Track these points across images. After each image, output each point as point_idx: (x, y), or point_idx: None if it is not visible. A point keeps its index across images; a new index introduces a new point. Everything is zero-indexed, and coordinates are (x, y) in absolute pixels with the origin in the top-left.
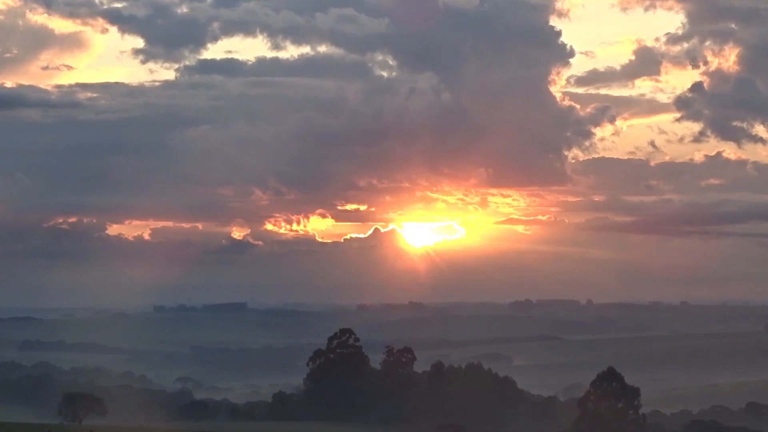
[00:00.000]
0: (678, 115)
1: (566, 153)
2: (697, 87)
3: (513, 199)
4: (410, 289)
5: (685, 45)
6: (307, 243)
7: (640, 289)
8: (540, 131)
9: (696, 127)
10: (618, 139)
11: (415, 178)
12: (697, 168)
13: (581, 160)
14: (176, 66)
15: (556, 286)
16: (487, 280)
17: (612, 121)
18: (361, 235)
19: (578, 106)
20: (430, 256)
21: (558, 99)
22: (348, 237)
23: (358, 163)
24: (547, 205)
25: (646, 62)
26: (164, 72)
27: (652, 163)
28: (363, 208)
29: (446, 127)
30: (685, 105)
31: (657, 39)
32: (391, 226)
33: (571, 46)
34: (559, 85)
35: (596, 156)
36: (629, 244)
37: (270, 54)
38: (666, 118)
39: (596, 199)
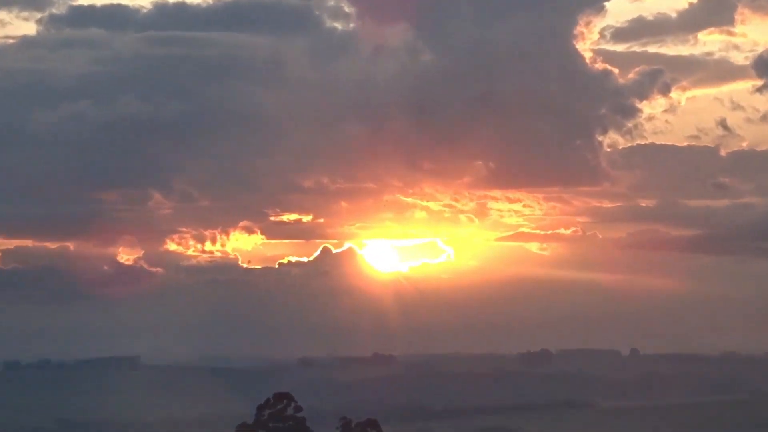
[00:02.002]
0: (760, 82)
1: (600, 138)
2: None
3: (524, 205)
4: (375, 335)
5: None
6: (226, 269)
7: (708, 333)
8: (563, 107)
9: None
10: (674, 117)
11: (383, 175)
12: None
13: (621, 148)
14: (38, 16)
15: (586, 329)
16: (487, 322)
17: (665, 91)
18: (304, 259)
19: (617, 71)
20: (404, 288)
21: (588, 60)
22: (285, 261)
23: (300, 154)
24: (573, 213)
25: (715, 7)
26: (21, 24)
27: (724, 152)
28: (307, 218)
29: (428, 102)
30: None
31: None
32: (347, 245)
33: None
34: (590, 40)
35: (643, 142)
36: (691, 268)
37: None
38: (742, 88)
39: (643, 205)
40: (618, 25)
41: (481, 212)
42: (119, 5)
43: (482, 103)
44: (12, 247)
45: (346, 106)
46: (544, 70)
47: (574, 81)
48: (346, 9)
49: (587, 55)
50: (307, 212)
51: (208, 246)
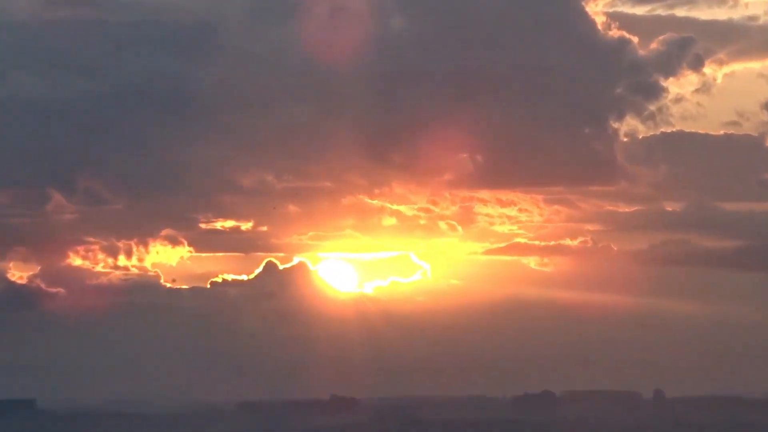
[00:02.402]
0: None
1: (615, 125)
2: None
3: (519, 210)
4: (333, 373)
5: None
6: (145, 290)
7: (751, 371)
8: (568, 86)
9: None
10: (708, 98)
11: (342, 171)
12: None
13: (642, 137)
14: None
15: (599, 367)
16: (474, 357)
17: (697, 66)
18: (243, 277)
19: (636, 40)
20: (369, 313)
21: (600, 27)
22: (219, 279)
23: (238, 144)
24: (581, 219)
25: None
26: None
27: None
28: (247, 225)
29: (399, 80)
30: None
31: None
32: (297, 259)
33: None
34: (603, 1)
35: (669, 130)
36: (729, 289)
37: None
38: None
39: (669, 209)
40: None
41: (466, 218)
42: None
43: (467, 81)
44: None
45: (295, 84)
46: (545, 39)
47: (582, 53)
48: None
49: (599, 20)
50: (246, 218)
51: (121, 260)
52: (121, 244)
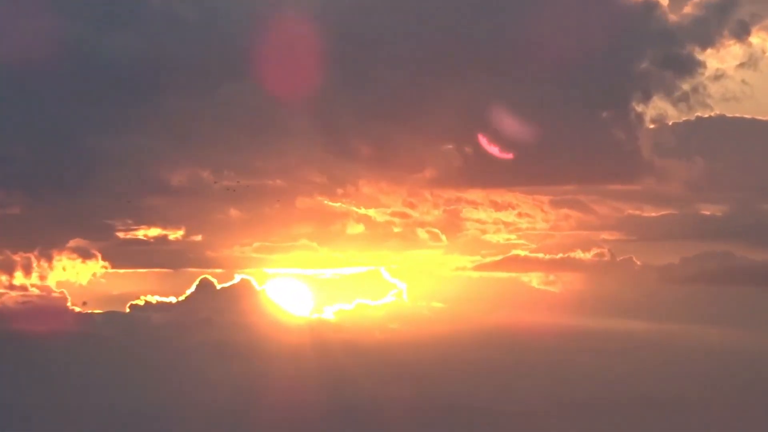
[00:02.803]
0: None
1: (639, 108)
2: None
3: (518, 215)
4: (284, 418)
5: None
6: (48, 314)
7: None
8: (581, 60)
9: None
10: (755, 75)
11: (297, 166)
12: None
13: (673, 123)
14: None
15: (621, 414)
16: (460, 399)
17: (741, 34)
18: (171, 299)
19: (665, 2)
20: (328, 343)
21: None
22: (141, 302)
23: (165, 131)
24: (596, 226)
25: None
26: None
27: None
28: (176, 234)
29: (369, 51)
30: None
31: None
32: (238, 277)
33: None
34: None
35: (707, 114)
36: None
37: None
38: None
39: (707, 213)
40: None
41: (452, 225)
42: None
43: (454, 53)
44: None
45: (239, 59)
46: (553, 2)
47: (599, 18)
48: None
49: None
50: (175, 225)
51: (18, 278)
52: (17, 258)
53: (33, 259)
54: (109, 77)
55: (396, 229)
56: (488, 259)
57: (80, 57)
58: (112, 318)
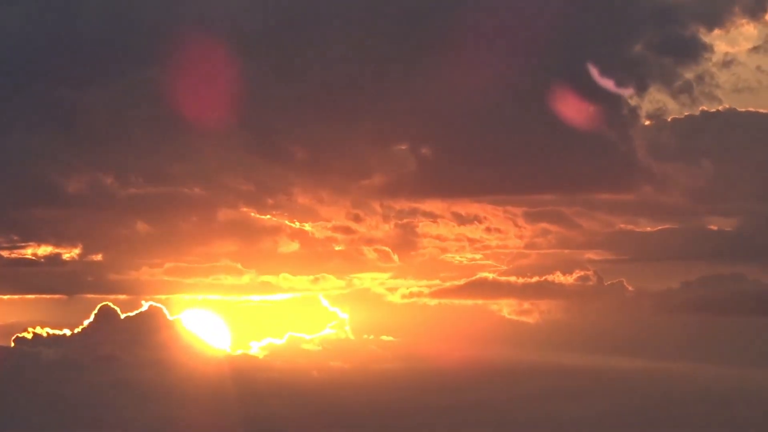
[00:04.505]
0: None
1: (633, 102)
2: None
3: (487, 229)
4: None
5: None
6: None
7: None
8: (563, 43)
9: None
10: None
11: (218, 173)
12: None
13: (673, 119)
14: None
15: None
16: None
17: (756, 12)
18: (66, 331)
19: None
20: (255, 383)
21: None
22: (29, 334)
23: (58, 130)
24: (580, 244)
25: None
26: None
27: None
28: (71, 253)
29: (302, 29)
30: None
31: None
32: (147, 304)
33: None
34: None
35: (714, 108)
36: None
37: None
38: None
39: (713, 229)
40: None
41: (405, 242)
42: None
43: (406, 36)
44: None
45: (149, 40)
46: None
47: None
48: None
49: None
50: (71, 242)
51: None
52: None
53: None
54: None
55: (338, 247)
56: (449, 284)
57: None
58: None
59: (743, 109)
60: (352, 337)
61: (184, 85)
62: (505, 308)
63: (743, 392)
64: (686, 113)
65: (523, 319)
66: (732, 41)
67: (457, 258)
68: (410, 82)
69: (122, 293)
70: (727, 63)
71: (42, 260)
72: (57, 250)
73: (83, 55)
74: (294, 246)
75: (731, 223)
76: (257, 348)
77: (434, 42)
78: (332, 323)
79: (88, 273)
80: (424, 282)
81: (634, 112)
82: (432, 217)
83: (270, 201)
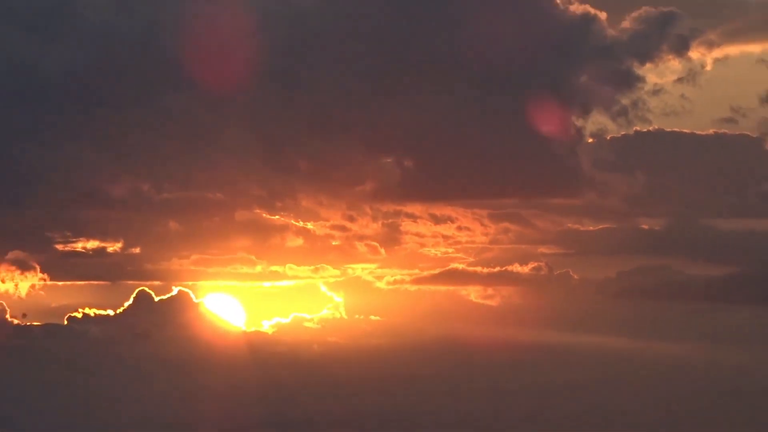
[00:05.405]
0: None
1: (579, 123)
2: None
3: (458, 228)
4: (219, 429)
5: None
6: None
7: (738, 419)
8: (520, 74)
9: None
10: (695, 90)
11: (236, 179)
12: None
13: (612, 138)
14: None
15: (554, 423)
16: (393, 412)
17: (681, 49)
18: (109, 311)
19: (604, 15)
20: (265, 357)
21: (559, 0)
22: (79, 314)
23: (104, 143)
24: (535, 240)
25: None
26: None
27: None
28: (114, 247)
29: (305, 65)
30: None
31: None
32: (177, 289)
33: None
34: None
35: (646, 129)
36: (724, 327)
37: None
38: None
39: (645, 227)
40: None
41: (391, 238)
42: None
43: (393, 66)
44: None
45: (174, 70)
46: (491, 14)
47: (537, 32)
48: None
49: None
50: (114, 238)
51: None
52: None
53: None
54: (47, 89)
55: (335, 243)
56: (426, 273)
57: (16, 68)
58: (50, 330)
59: (670, 130)
60: (345, 316)
61: (208, 107)
62: (473, 293)
63: (669, 362)
64: (623, 133)
65: (488, 302)
66: (660, 73)
67: (433, 251)
68: (395, 108)
69: (156, 280)
70: (656, 91)
71: (90, 253)
72: (102, 245)
73: (124, 83)
74: (298, 241)
75: (659, 223)
76: (267, 326)
77: (414, 74)
78: (329, 305)
79: (128, 263)
80: (406, 271)
81: (579, 131)
82: (413, 217)
83: (279, 204)
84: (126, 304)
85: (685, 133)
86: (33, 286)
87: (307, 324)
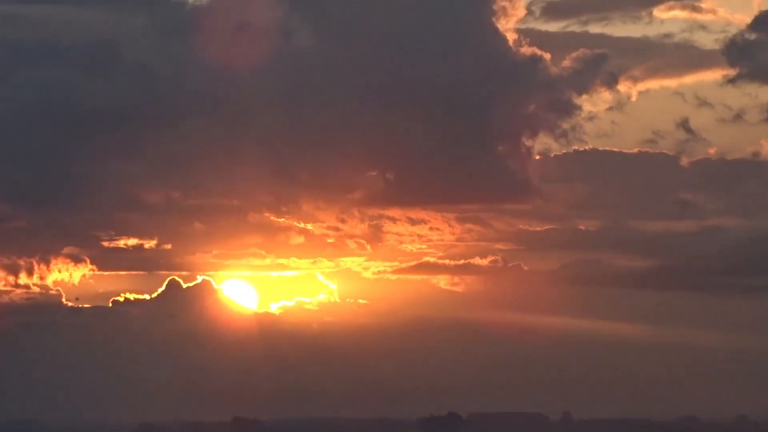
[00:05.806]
0: (732, 72)
1: (528, 143)
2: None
3: (430, 228)
4: (236, 394)
5: None
6: (46, 309)
7: (662, 393)
8: (480, 104)
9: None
10: (622, 116)
11: (249, 188)
12: None
13: (555, 155)
14: None
15: (506, 388)
16: (379, 379)
17: (611, 83)
18: (146, 296)
19: (548, 56)
20: (273, 334)
21: (512, 43)
22: (121, 298)
23: (141, 159)
24: (493, 238)
25: None
26: None
27: (686, 161)
28: (150, 243)
29: (306, 96)
30: (746, 55)
31: None
32: (200, 278)
33: None
34: (515, 17)
35: (582, 148)
36: (641, 308)
37: None
38: (710, 79)
39: (582, 228)
40: None
41: (376, 236)
42: None
43: (376, 97)
44: None
45: (199, 99)
46: (456, 55)
47: (494, 70)
48: None
49: (511, 37)
50: (150, 236)
51: (22, 279)
52: (22, 262)
53: (34, 263)
54: (96, 117)
55: (329, 240)
56: (404, 265)
57: (73, 102)
58: (98, 312)
59: (602, 149)
60: (339, 300)
61: (226, 130)
62: (442, 281)
63: (604, 338)
64: (564, 151)
65: (455, 289)
66: (594, 103)
67: (410, 247)
68: (379, 131)
69: (184, 270)
70: (591, 118)
71: (130, 248)
72: (140, 241)
73: (159, 110)
74: (300, 239)
75: (594, 224)
76: (275, 308)
77: (395, 105)
78: (325, 291)
79: (161, 257)
80: (388, 263)
81: (528, 150)
82: (393, 220)
83: (284, 208)
84: (159, 290)
85: (615, 151)
86: (84, 276)
87: (307, 306)
